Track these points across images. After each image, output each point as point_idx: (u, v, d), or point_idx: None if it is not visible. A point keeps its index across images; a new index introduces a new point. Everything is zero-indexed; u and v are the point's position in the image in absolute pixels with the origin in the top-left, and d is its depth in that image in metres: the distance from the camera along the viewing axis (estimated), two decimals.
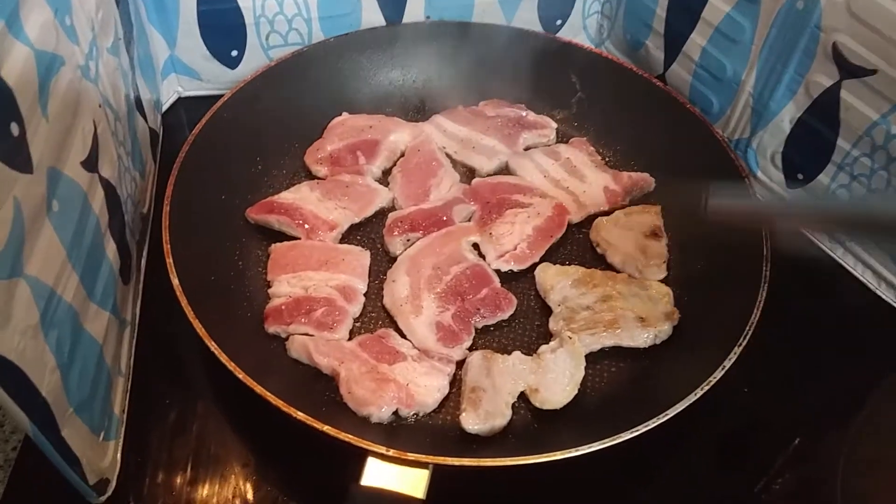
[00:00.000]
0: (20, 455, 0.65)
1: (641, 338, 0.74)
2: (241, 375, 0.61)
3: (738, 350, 0.66)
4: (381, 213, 0.87)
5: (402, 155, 0.92)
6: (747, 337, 0.67)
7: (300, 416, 0.59)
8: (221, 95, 0.87)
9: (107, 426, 0.61)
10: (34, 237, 0.48)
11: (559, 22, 1.06)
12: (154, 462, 0.67)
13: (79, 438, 0.54)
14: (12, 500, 0.63)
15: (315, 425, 0.59)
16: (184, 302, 0.65)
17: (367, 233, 0.85)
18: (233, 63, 0.97)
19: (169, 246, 0.69)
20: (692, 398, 0.63)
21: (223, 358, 0.62)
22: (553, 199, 0.86)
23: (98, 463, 0.59)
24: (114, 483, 0.62)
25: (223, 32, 0.94)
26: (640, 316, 0.74)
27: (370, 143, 0.91)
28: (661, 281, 0.80)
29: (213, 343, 0.63)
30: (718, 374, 0.65)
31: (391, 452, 0.58)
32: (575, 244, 0.85)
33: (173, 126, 0.97)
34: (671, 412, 0.62)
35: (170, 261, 0.68)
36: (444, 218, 0.84)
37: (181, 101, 1.01)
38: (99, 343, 0.60)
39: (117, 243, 0.66)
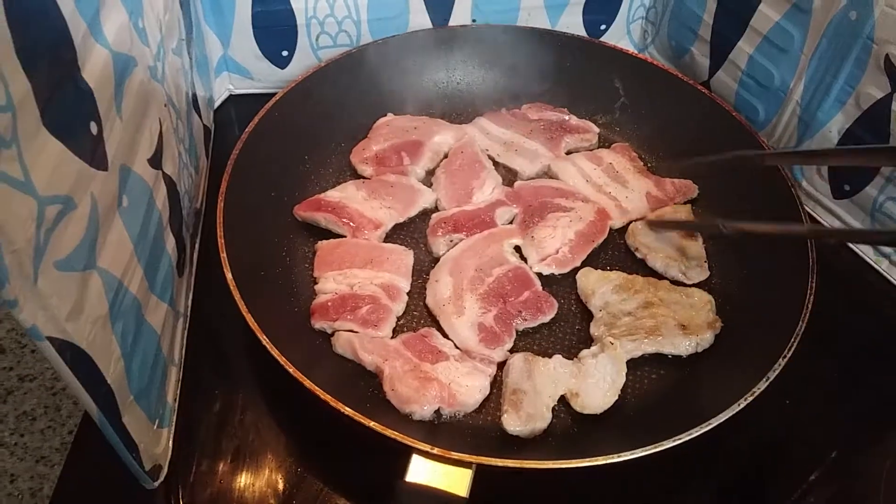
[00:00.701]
0: (76, 439, 0.68)
1: (683, 345, 0.74)
2: (291, 370, 0.63)
3: (782, 361, 0.66)
4: (424, 214, 0.88)
5: (446, 156, 0.93)
6: (792, 348, 0.67)
7: (348, 411, 0.61)
8: (270, 94, 0.89)
9: (161, 414, 0.64)
10: (106, 231, 0.51)
11: (603, 27, 1.06)
12: (201, 450, 0.69)
13: (137, 425, 0.57)
14: (68, 482, 0.66)
15: (362, 421, 0.60)
16: (237, 296, 0.67)
17: (409, 232, 0.87)
18: (283, 63, 1.00)
19: (223, 241, 0.71)
20: (736, 408, 0.63)
21: (274, 352, 0.64)
22: (595, 203, 0.87)
23: (153, 449, 0.61)
24: (165, 469, 0.64)
25: (275, 33, 0.96)
26: (682, 323, 0.75)
27: (415, 143, 0.93)
28: (703, 288, 0.80)
29: (264, 337, 0.65)
30: (763, 385, 0.65)
31: (436, 451, 0.59)
32: (616, 249, 0.86)
33: (224, 123, 1.00)
34: (714, 422, 0.62)
35: (223, 255, 0.70)
36: (487, 220, 0.85)
37: (231, 99, 1.03)
38: (157, 333, 0.62)
39: (175, 237, 0.68)
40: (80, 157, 0.46)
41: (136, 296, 0.56)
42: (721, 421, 0.62)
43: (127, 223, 0.54)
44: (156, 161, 0.61)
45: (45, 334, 0.43)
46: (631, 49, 1.02)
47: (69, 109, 0.46)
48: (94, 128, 0.48)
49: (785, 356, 0.67)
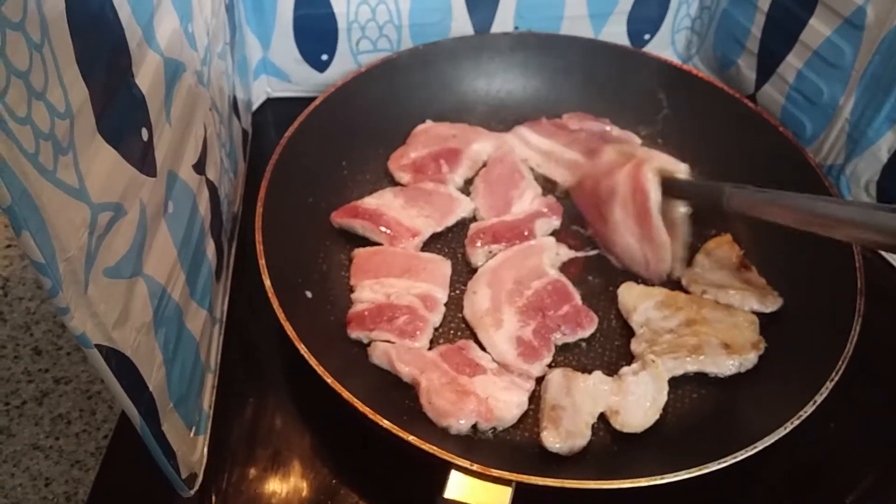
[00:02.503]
0: (111, 444, 0.68)
1: (726, 365, 0.72)
2: (329, 380, 0.62)
3: (829, 385, 0.65)
4: (462, 223, 0.87)
5: (485, 165, 0.92)
6: (839, 372, 0.66)
7: (386, 424, 0.60)
8: (308, 98, 0.89)
9: (198, 421, 0.63)
10: (152, 238, 0.50)
11: (647, 36, 1.05)
12: (233, 458, 0.68)
13: (175, 432, 0.56)
14: (103, 487, 0.65)
15: (401, 435, 0.59)
16: (275, 304, 0.67)
17: (446, 242, 0.86)
18: (322, 67, 0.99)
19: (262, 247, 0.71)
20: (782, 432, 0.61)
21: (313, 362, 0.63)
22: None
23: (189, 457, 0.60)
24: (201, 477, 0.63)
25: (316, 37, 0.96)
26: (725, 342, 0.73)
27: (453, 151, 0.92)
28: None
29: (302, 346, 0.64)
30: (810, 409, 0.63)
31: (475, 467, 0.58)
32: None
33: (261, 126, 0.99)
34: (760, 445, 0.61)
35: (262, 262, 0.70)
36: (526, 231, 0.84)
37: (269, 102, 1.03)
38: (197, 340, 0.62)
39: (215, 242, 0.68)
40: (131, 163, 0.46)
41: (179, 302, 0.56)
42: (767, 444, 0.61)
43: (172, 229, 0.54)
44: (200, 166, 0.60)
45: (93, 342, 0.42)
46: (675, 60, 1.01)
47: (123, 116, 0.46)
48: (145, 134, 0.48)
49: (833, 379, 0.65)
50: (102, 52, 0.44)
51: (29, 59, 0.36)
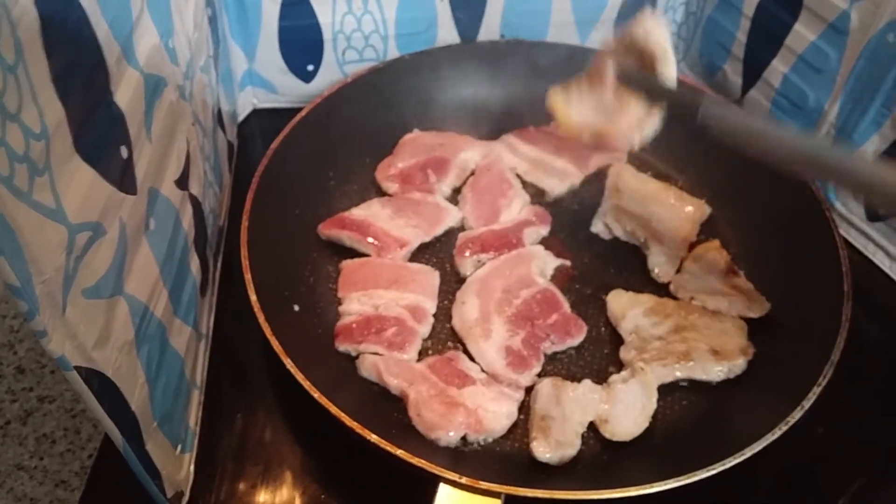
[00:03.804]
0: (96, 463, 0.67)
1: (714, 371, 0.72)
2: (316, 395, 0.62)
3: (817, 390, 0.65)
4: (450, 233, 0.87)
5: (473, 174, 0.92)
6: (827, 377, 0.66)
7: (374, 438, 0.60)
8: (294, 108, 0.88)
9: (183, 439, 0.63)
10: (133, 256, 0.50)
11: None
12: (221, 475, 0.68)
13: (160, 451, 0.56)
14: None
15: (389, 449, 0.59)
16: (261, 319, 0.66)
17: (434, 252, 0.86)
18: (308, 77, 0.99)
19: (248, 262, 0.70)
20: (771, 437, 0.61)
21: (299, 377, 0.63)
22: None
23: (175, 476, 0.60)
24: (188, 495, 0.63)
25: (301, 47, 0.96)
26: (714, 348, 0.73)
27: (441, 160, 0.91)
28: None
29: (289, 361, 0.64)
30: (798, 414, 0.63)
31: (464, 480, 0.58)
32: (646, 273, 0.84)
33: (247, 138, 0.99)
34: (748, 452, 0.61)
35: (248, 277, 0.69)
36: (515, 240, 0.84)
37: (255, 113, 1.03)
38: (181, 357, 0.61)
39: (199, 257, 0.67)
40: (110, 182, 0.46)
41: (161, 320, 0.56)
42: (756, 451, 0.61)
43: (153, 246, 0.53)
44: (182, 182, 0.60)
45: (72, 364, 0.42)
46: None
47: (101, 134, 0.45)
48: (124, 152, 0.47)
49: (820, 384, 0.65)
50: (79, 71, 0.43)
51: (3, 80, 0.36)
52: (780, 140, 0.65)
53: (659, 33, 0.70)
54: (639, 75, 0.72)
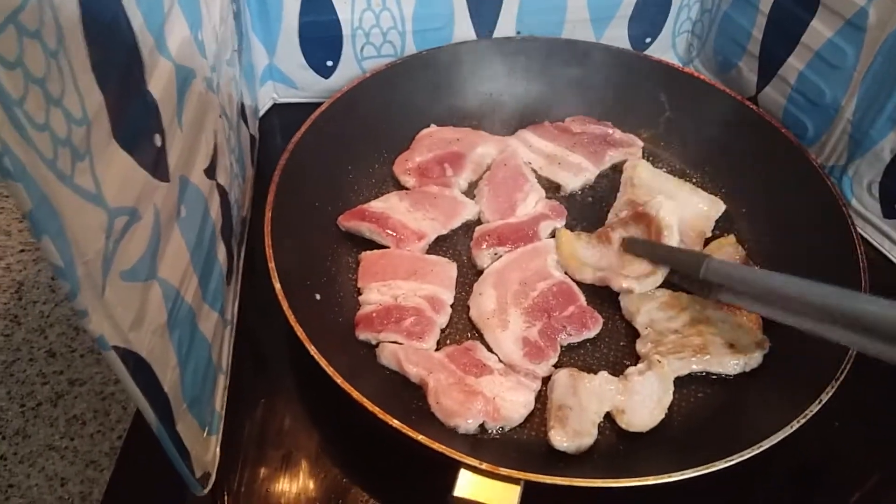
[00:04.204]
0: (125, 445, 0.68)
1: (730, 365, 0.73)
2: (339, 381, 0.63)
3: (835, 384, 0.65)
4: (466, 226, 0.88)
5: (489, 168, 0.93)
6: (845, 371, 0.66)
7: (396, 423, 0.61)
8: (313, 103, 0.90)
9: (210, 422, 0.64)
10: (166, 241, 0.51)
11: (648, 40, 1.06)
12: (245, 458, 0.69)
13: (189, 433, 0.57)
14: (117, 487, 0.66)
15: (411, 434, 0.60)
16: (285, 306, 0.68)
17: (451, 244, 0.87)
18: (327, 73, 1.00)
19: (272, 250, 0.72)
20: (787, 430, 0.62)
21: (323, 363, 0.64)
22: None
23: (203, 457, 0.61)
24: (214, 476, 0.64)
25: (321, 43, 0.97)
26: (730, 342, 0.74)
27: (457, 155, 0.93)
28: None
29: (312, 347, 0.65)
30: (815, 408, 0.64)
31: (484, 466, 0.59)
32: None
33: (267, 132, 1.00)
34: (766, 444, 0.61)
35: (271, 265, 0.70)
36: (531, 233, 0.85)
37: (275, 108, 1.04)
38: (209, 342, 0.63)
39: (226, 246, 0.68)
40: (145, 168, 0.47)
41: (192, 305, 0.57)
42: (773, 443, 0.62)
43: (184, 233, 0.55)
44: (211, 171, 0.61)
45: (110, 344, 0.43)
46: (676, 63, 1.02)
47: (136, 122, 0.47)
48: (158, 140, 0.49)
49: (838, 378, 0.66)
50: (117, 59, 0.45)
51: (45, 65, 0.37)
52: (786, 289, 0.66)
53: (668, 215, 0.80)
54: (644, 244, 0.80)
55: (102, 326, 0.42)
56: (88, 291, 0.41)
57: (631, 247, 0.80)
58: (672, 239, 0.79)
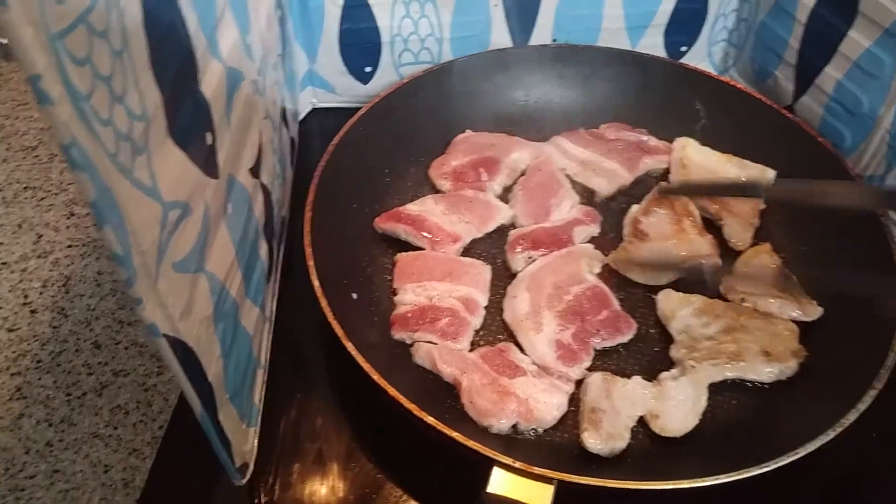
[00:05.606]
0: (166, 433, 0.70)
1: (765, 372, 0.73)
2: (376, 377, 0.64)
3: (873, 393, 0.65)
4: (501, 230, 0.89)
5: (523, 174, 0.94)
6: (883, 380, 0.66)
7: (431, 420, 0.62)
8: (351, 108, 0.92)
9: (249, 414, 0.66)
10: (214, 236, 0.53)
11: (684, 48, 1.06)
12: (281, 451, 0.71)
13: (230, 423, 0.59)
14: (159, 474, 0.68)
15: (446, 431, 0.61)
16: (324, 303, 0.69)
17: (486, 248, 0.88)
18: (365, 78, 1.02)
19: (311, 249, 0.73)
20: (823, 439, 0.62)
21: (360, 360, 0.65)
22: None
23: (242, 447, 0.63)
24: (252, 467, 0.66)
25: (360, 50, 0.99)
26: (765, 350, 0.73)
27: (492, 160, 0.94)
28: None
29: (350, 344, 0.66)
30: (852, 417, 0.63)
31: (518, 465, 0.59)
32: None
33: (306, 135, 1.03)
34: (801, 451, 0.61)
35: (311, 263, 0.72)
36: (565, 238, 0.85)
37: (314, 112, 1.07)
38: (250, 336, 0.64)
39: (267, 243, 0.70)
40: (197, 165, 0.49)
41: (235, 298, 0.59)
42: (809, 451, 0.61)
43: (231, 229, 0.56)
44: (255, 171, 0.63)
45: (162, 332, 0.45)
46: (712, 71, 1.02)
47: (190, 120, 0.49)
48: (209, 138, 0.51)
49: (875, 388, 0.65)
50: (173, 60, 0.47)
51: (111, 65, 0.39)
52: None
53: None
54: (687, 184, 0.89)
55: (155, 314, 0.44)
56: (144, 280, 0.42)
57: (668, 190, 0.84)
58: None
